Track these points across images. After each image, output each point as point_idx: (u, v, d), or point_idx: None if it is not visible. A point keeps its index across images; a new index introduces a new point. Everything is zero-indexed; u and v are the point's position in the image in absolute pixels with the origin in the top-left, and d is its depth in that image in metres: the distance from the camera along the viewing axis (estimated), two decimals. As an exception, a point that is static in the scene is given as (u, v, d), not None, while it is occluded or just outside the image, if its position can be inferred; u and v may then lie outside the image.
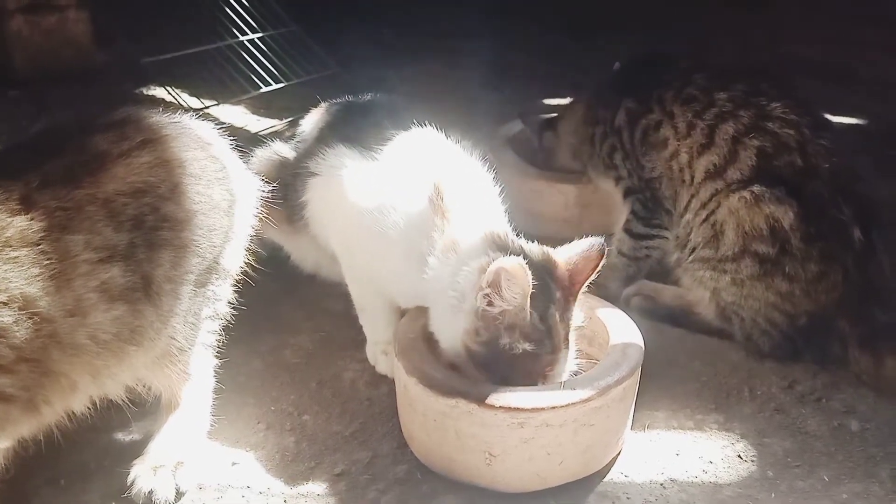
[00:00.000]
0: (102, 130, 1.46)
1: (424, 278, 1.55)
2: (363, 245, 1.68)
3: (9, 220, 1.28)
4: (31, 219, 1.29)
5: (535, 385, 1.48)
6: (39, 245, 1.28)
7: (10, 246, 1.26)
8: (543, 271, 1.50)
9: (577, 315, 1.55)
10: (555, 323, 1.47)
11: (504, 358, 1.46)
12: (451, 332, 1.51)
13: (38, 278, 1.27)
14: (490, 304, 1.43)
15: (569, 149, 2.35)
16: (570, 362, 1.52)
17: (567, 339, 1.51)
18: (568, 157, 2.37)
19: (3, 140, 2.74)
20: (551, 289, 1.49)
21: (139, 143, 1.47)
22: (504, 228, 1.58)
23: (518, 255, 1.48)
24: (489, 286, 1.42)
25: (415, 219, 1.59)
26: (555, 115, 2.48)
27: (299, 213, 1.86)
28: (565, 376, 1.51)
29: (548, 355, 1.47)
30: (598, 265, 1.53)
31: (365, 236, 1.65)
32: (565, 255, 1.55)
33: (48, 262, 1.29)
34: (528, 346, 1.45)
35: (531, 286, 1.40)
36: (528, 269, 1.39)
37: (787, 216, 1.79)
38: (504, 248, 1.50)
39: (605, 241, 1.56)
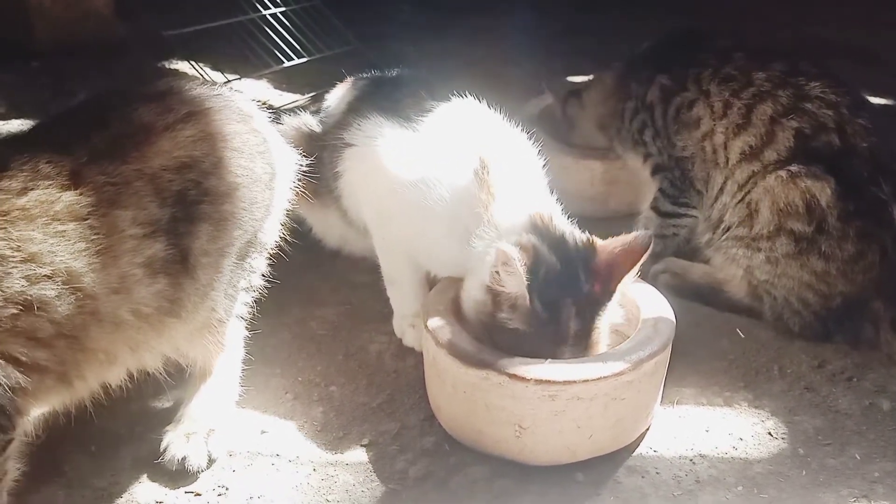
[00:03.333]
0: (146, 102, 1.46)
1: (468, 252, 1.54)
2: (403, 217, 1.67)
3: (58, 194, 1.28)
4: (80, 193, 1.29)
5: None
6: (87, 220, 1.28)
7: (58, 220, 1.26)
8: (578, 261, 1.48)
9: (617, 312, 1.53)
10: (567, 316, 1.45)
11: (503, 333, 1.46)
12: (468, 299, 1.53)
13: (84, 253, 1.27)
14: (497, 283, 1.44)
15: (595, 120, 2.31)
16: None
17: (583, 339, 1.47)
18: (592, 127, 2.32)
19: (25, 111, 2.76)
20: (579, 281, 1.47)
21: (184, 115, 1.46)
22: (550, 210, 1.55)
23: (554, 239, 1.48)
24: (496, 266, 1.43)
25: (460, 193, 1.57)
26: (581, 85, 2.44)
27: (330, 186, 1.84)
28: None
29: (549, 345, 1.45)
30: (640, 259, 1.49)
31: (406, 209, 1.64)
32: (609, 247, 1.51)
33: (95, 236, 1.29)
34: (521, 328, 1.45)
35: (526, 275, 1.39)
36: (522, 257, 1.38)
37: (824, 192, 1.77)
38: (545, 232, 1.49)
39: (649, 235, 1.52)
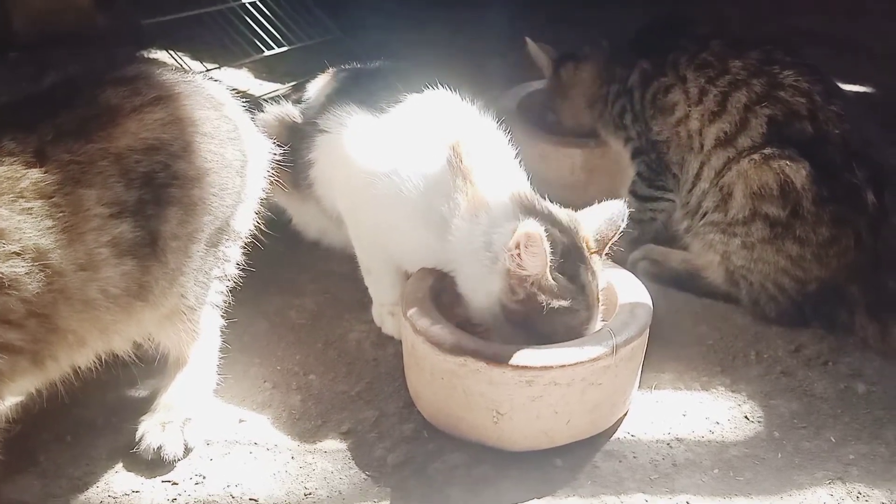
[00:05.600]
0: (114, 85, 1.45)
1: (448, 241, 1.54)
2: (376, 209, 1.66)
3: (23, 171, 1.28)
4: (45, 171, 1.29)
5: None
6: (53, 198, 1.28)
7: (24, 197, 1.26)
8: (572, 232, 1.51)
9: (603, 273, 1.57)
10: (588, 282, 1.49)
11: (543, 314, 1.46)
12: (485, 292, 1.51)
13: (51, 231, 1.27)
14: (518, 265, 1.44)
15: (585, 96, 2.27)
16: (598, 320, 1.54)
17: (598, 301, 1.52)
18: (582, 102, 2.28)
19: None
20: (582, 249, 1.51)
21: (152, 99, 1.46)
22: (528, 190, 1.58)
23: (545, 217, 1.51)
24: (516, 248, 1.42)
25: (434, 181, 1.57)
26: (576, 51, 2.36)
27: (305, 174, 1.84)
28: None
29: (584, 312, 1.48)
30: (620, 227, 1.56)
31: (379, 200, 1.63)
32: (590, 219, 1.56)
33: (61, 214, 1.28)
34: (563, 303, 1.45)
35: (549, 253, 1.40)
36: (545, 236, 1.39)
37: (798, 174, 1.78)
38: (532, 210, 1.50)
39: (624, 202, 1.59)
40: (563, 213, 1.56)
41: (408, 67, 1.93)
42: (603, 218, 1.57)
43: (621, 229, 1.56)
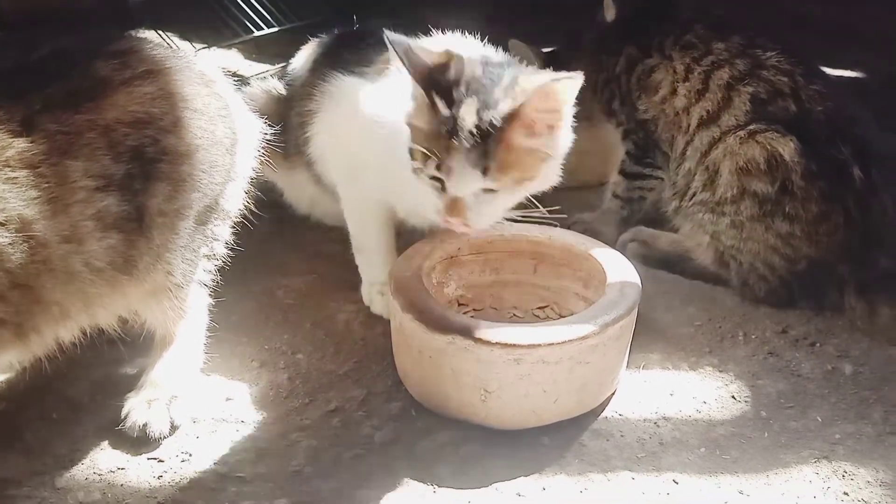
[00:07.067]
0: (104, 57, 1.44)
1: None
2: (375, 160, 1.65)
3: (9, 140, 1.26)
4: (32, 141, 1.28)
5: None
6: (39, 168, 1.27)
7: (10, 166, 1.25)
8: (503, 73, 1.48)
9: (546, 143, 1.51)
10: (458, 105, 1.43)
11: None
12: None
13: (35, 201, 1.26)
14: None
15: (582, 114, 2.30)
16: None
17: (484, 146, 1.41)
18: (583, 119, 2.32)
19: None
20: (494, 85, 1.45)
21: (142, 72, 1.44)
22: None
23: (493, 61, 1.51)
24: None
25: None
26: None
27: (300, 150, 1.83)
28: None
29: (443, 140, 1.43)
30: (557, 104, 1.44)
31: (377, 150, 1.62)
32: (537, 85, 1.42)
33: (47, 185, 1.27)
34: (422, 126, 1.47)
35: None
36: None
37: (787, 147, 1.79)
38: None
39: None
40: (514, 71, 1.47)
41: (390, 26, 1.92)
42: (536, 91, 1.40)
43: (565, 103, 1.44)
